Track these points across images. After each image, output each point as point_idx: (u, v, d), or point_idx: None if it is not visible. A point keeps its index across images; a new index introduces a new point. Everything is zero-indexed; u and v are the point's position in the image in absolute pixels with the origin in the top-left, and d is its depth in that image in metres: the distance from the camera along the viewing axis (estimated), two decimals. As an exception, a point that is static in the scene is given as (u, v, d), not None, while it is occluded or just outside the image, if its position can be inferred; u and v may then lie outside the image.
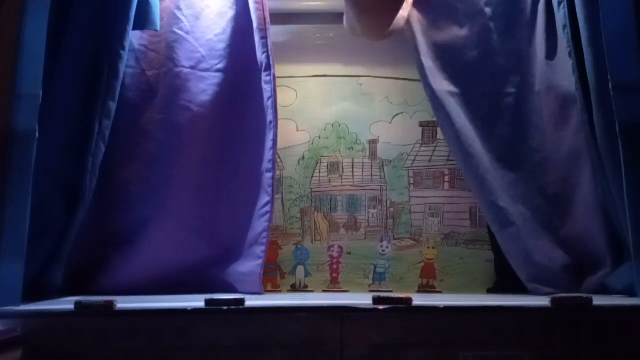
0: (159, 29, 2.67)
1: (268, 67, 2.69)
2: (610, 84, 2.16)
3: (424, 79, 2.76)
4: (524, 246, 2.59)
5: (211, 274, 2.65)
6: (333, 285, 2.99)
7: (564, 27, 2.46)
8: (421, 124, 3.07)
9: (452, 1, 2.78)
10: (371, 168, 3.07)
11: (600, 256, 2.45)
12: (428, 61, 2.75)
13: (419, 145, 3.07)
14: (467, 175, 2.81)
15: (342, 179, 3.07)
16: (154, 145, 2.67)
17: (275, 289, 2.96)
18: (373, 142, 3.08)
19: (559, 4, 2.50)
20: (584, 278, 2.49)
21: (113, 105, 2.48)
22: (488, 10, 2.75)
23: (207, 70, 2.73)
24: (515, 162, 2.69)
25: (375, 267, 3.01)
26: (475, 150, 2.67)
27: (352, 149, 3.08)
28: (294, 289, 2.98)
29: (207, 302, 1.85)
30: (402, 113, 3.08)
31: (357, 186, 3.07)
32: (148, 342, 1.80)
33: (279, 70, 2.79)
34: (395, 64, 3.07)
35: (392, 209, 3.05)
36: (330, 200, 3.06)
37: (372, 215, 3.05)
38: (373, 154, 3.07)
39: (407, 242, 3.02)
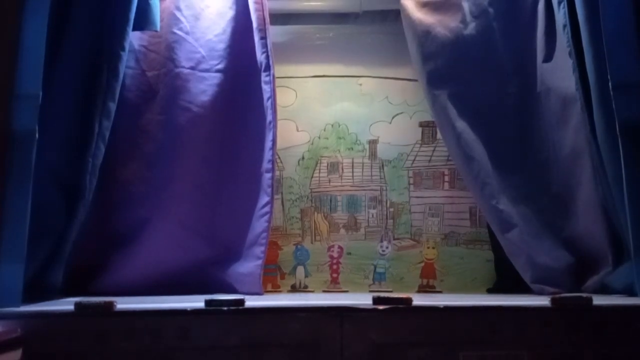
0: (158, 29, 2.67)
1: (267, 68, 2.69)
2: (610, 83, 2.15)
3: (424, 80, 2.76)
4: (527, 247, 2.57)
5: (211, 274, 2.64)
6: (333, 286, 2.99)
7: (564, 26, 2.45)
8: (421, 124, 3.08)
9: (456, 0, 2.78)
10: (371, 168, 3.07)
11: (603, 255, 2.44)
12: (428, 63, 2.75)
13: (418, 145, 3.07)
14: (466, 179, 2.80)
15: (341, 179, 3.07)
16: (154, 146, 2.67)
17: (275, 289, 2.96)
18: (373, 142, 3.08)
19: (559, 3, 2.48)
20: (587, 277, 2.48)
21: (113, 106, 2.47)
22: (491, 10, 2.75)
23: (206, 70, 2.73)
24: (516, 164, 2.67)
25: (375, 267, 3.01)
26: (476, 153, 2.67)
27: (352, 149, 3.08)
28: (294, 289, 2.98)
29: (207, 302, 1.84)
30: (401, 113, 3.09)
31: (356, 186, 3.07)
32: (148, 343, 1.80)
33: (279, 70, 2.80)
34: (395, 64, 3.08)
35: (392, 209, 3.05)
36: (330, 201, 3.06)
37: (372, 216, 3.05)
38: (373, 154, 3.07)
39: (407, 242, 3.02)
